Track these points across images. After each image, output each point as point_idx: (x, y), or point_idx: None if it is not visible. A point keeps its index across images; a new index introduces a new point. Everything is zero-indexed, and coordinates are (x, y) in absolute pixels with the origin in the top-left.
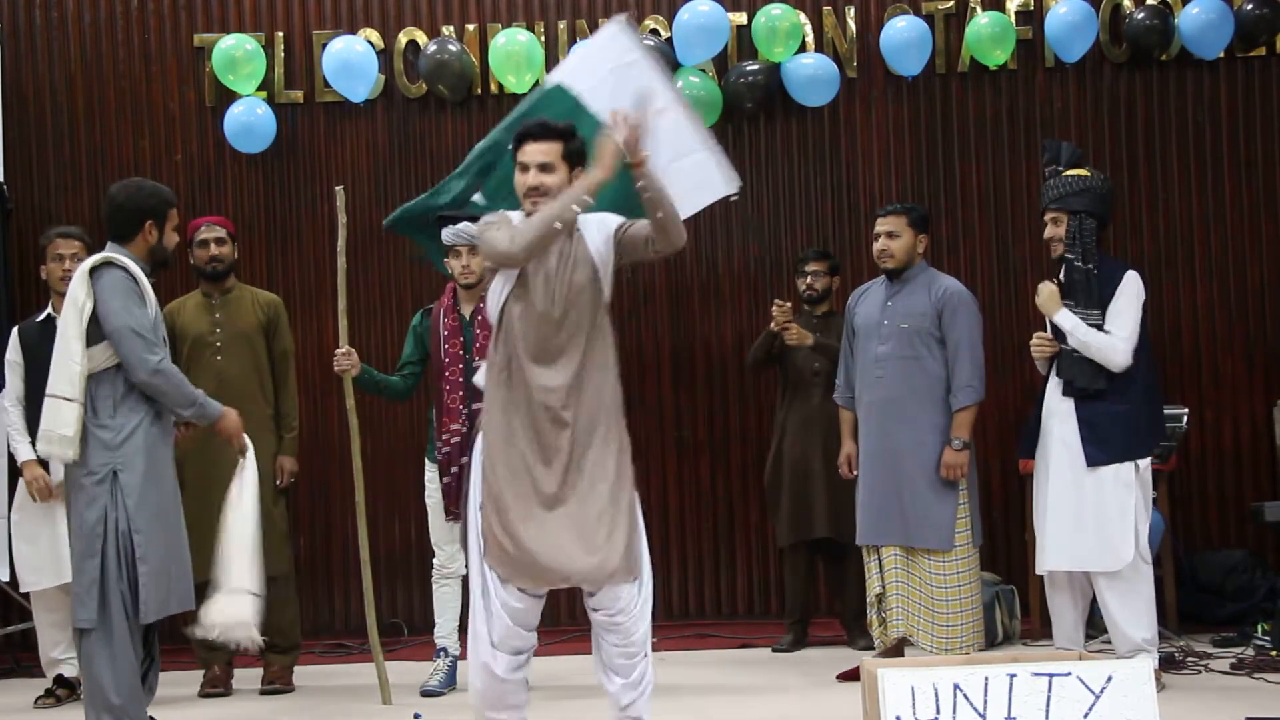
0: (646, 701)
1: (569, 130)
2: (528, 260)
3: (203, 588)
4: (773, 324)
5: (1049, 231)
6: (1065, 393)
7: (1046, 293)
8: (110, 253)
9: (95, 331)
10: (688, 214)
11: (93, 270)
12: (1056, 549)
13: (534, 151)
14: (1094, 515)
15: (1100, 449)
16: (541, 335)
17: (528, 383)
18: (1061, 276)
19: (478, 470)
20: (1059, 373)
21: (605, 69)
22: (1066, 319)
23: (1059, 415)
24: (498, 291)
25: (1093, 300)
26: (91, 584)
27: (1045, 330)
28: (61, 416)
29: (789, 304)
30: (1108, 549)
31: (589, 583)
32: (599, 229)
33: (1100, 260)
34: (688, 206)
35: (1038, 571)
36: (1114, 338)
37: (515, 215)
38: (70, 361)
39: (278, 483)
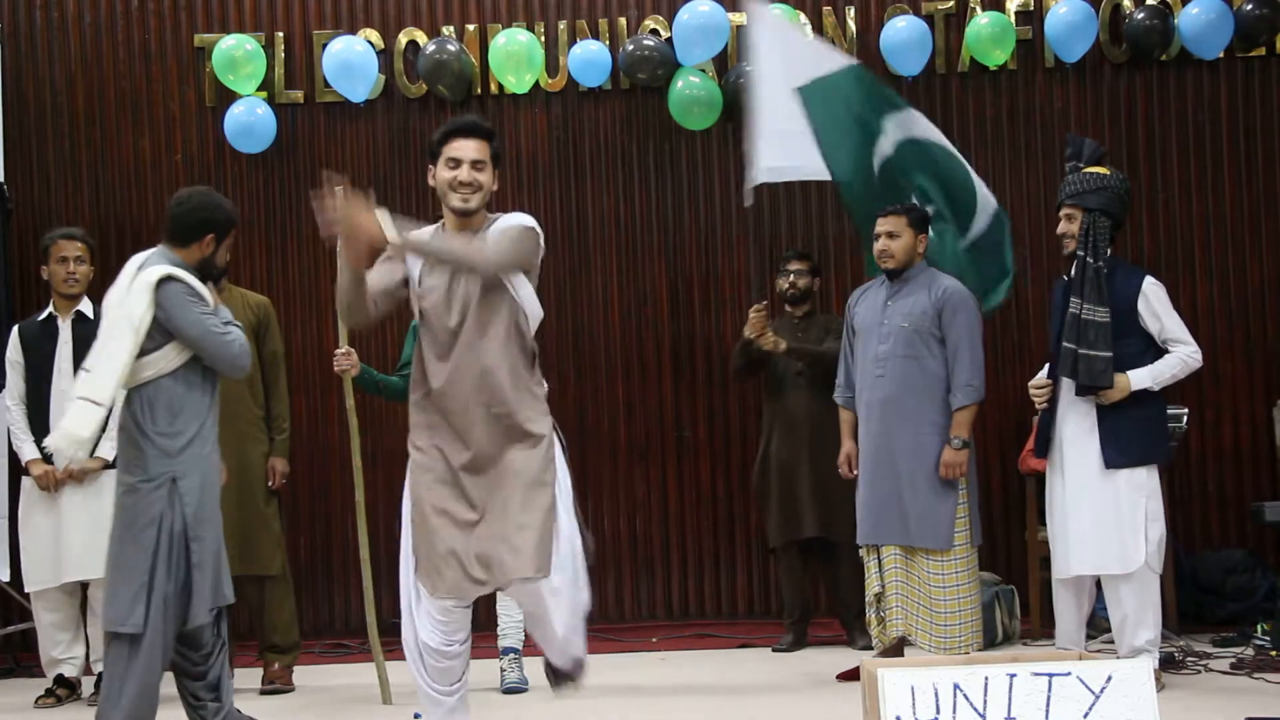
0: (579, 639)
1: (494, 131)
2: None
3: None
4: (747, 329)
5: (1062, 227)
6: (1078, 393)
7: (1117, 390)
8: (163, 259)
9: (152, 340)
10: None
11: (158, 284)
12: (1080, 553)
13: (469, 148)
14: (1111, 518)
15: (1120, 452)
16: (438, 338)
17: (432, 382)
18: (1072, 273)
19: (406, 485)
20: (1061, 372)
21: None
22: (1142, 379)
23: (1073, 417)
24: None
25: (1101, 298)
26: (140, 589)
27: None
28: (87, 419)
29: (765, 311)
30: (1123, 552)
31: (498, 585)
32: (500, 228)
33: (1114, 262)
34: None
35: (1059, 576)
36: (1178, 353)
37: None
38: (109, 373)
39: (270, 484)
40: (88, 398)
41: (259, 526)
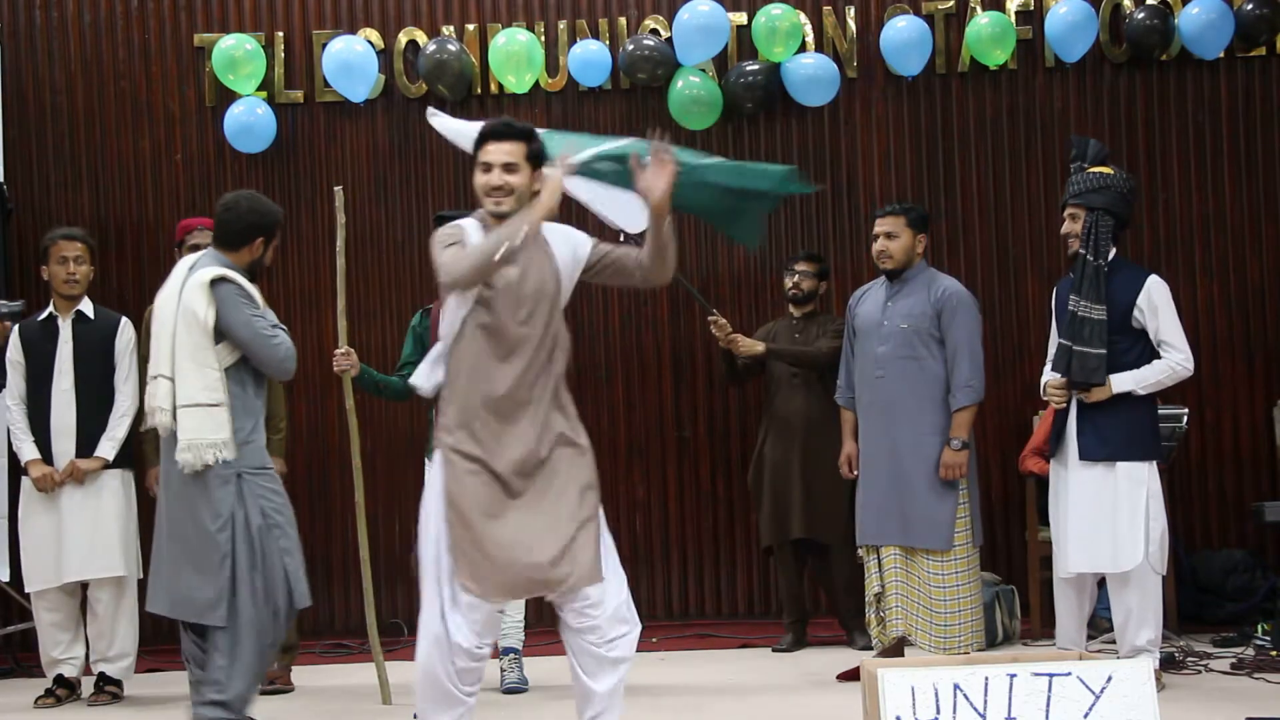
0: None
1: (531, 131)
2: (473, 285)
3: None
4: (720, 341)
5: (1066, 227)
6: (1067, 389)
7: (1102, 393)
8: (214, 261)
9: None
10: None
11: (212, 283)
12: (1080, 551)
13: (498, 151)
14: (1107, 516)
15: (1100, 444)
16: (501, 340)
17: (488, 384)
18: (1073, 273)
19: (438, 486)
20: (1055, 368)
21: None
22: (1124, 383)
23: (1074, 418)
24: (454, 307)
25: (1099, 296)
26: (223, 587)
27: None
28: (217, 420)
29: (724, 320)
30: (1121, 550)
31: (557, 589)
32: (566, 243)
33: (1120, 262)
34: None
35: (1060, 575)
36: (1168, 360)
37: (470, 224)
38: (208, 370)
39: None
40: (201, 403)
41: None
